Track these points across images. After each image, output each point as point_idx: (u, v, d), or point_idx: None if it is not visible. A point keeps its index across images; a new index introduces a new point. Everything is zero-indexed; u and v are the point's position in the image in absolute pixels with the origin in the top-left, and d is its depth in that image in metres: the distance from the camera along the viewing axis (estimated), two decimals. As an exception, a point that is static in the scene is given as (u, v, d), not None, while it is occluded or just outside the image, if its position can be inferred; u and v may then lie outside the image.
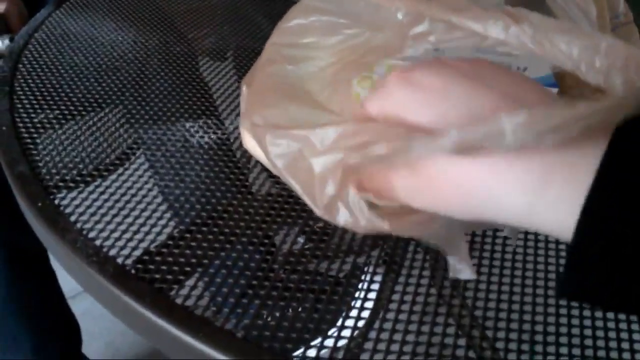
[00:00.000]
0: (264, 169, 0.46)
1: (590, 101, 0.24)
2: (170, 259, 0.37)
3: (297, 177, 0.34)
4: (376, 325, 0.35)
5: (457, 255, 0.34)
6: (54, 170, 0.44)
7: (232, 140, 0.49)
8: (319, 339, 0.34)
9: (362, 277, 0.38)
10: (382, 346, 0.33)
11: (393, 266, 0.38)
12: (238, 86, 0.57)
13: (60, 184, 0.42)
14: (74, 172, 0.44)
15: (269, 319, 0.35)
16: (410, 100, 0.29)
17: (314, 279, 0.37)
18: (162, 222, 0.40)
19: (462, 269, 0.34)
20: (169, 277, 0.36)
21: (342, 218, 0.32)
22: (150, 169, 0.45)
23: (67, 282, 1.01)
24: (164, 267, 0.37)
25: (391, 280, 0.38)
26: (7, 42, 0.72)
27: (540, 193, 0.24)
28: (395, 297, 0.36)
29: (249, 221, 0.40)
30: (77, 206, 0.40)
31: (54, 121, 0.50)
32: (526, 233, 0.41)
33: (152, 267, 0.37)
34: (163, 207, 0.42)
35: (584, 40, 0.28)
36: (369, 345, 0.33)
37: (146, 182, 0.44)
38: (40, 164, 0.44)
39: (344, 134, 0.32)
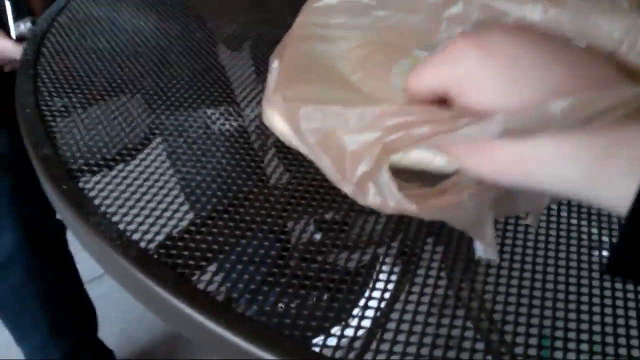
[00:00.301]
0: (281, 159, 0.46)
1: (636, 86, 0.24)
2: (192, 244, 0.37)
3: (329, 153, 0.34)
4: (394, 316, 0.34)
5: (483, 239, 0.34)
6: (77, 154, 0.44)
7: (251, 129, 0.49)
8: (339, 328, 0.34)
9: (381, 268, 0.38)
10: (401, 337, 0.33)
11: (412, 258, 0.38)
12: (256, 75, 0.57)
13: (84, 167, 0.43)
14: (97, 156, 0.44)
15: (289, 307, 0.35)
16: (482, 67, 0.27)
17: (333, 269, 0.37)
18: (184, 207, 0.41)
19: (488, 251, 0.34)
20: (191, 262, 0.36)
21: (372, 197, 0.32)
22: (171, 155, 0.45)
23: (84, 267, 1.02)
24: (186, 253, 0.37)
25: (410, 271, 0.37)
26: (29, 24, 0.72)
27: (604, 165, 0.24)
28: (414, 289, 0.36)
29: (268, 210, 0.40)
30: (100, 190, 0.41)
31: (77, 105, 0.50)
32: (547, 227, 0.41)
33: (174, 252, 0.37)
34: (183, 193, 0.42)
35: (626, 21, 0.28)
36: (387, 335, 0.33)
37: (168, 168, 0.44)
38: (64, 148, 0.44)
39: (384, 114, 0.31)
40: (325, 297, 0.36)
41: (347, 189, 0.33)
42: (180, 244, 0.37)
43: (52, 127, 0.46)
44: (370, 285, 0.37)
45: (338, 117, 0.33)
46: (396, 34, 0.40)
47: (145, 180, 0.42)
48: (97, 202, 0.39)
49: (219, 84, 0.54)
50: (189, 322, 0.34)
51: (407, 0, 0.39)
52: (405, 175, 0.33)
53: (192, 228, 0.39)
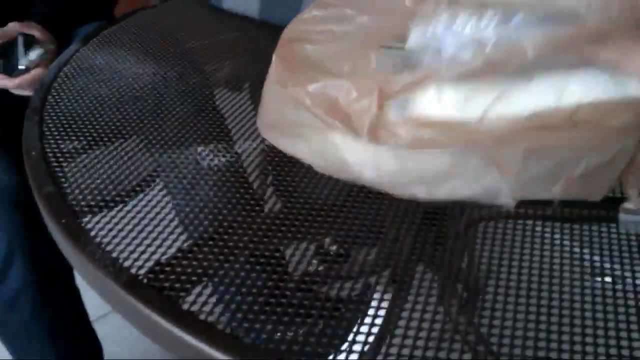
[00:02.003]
0: (276, 190, 0.49)
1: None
2: (179, 269, 0.41)
3: (337, 117, 0.40)
4: (387, 341, 0.36)
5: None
6: (77, 192, 0.48)
7: (240, 163, 0.53)
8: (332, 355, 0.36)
9: (372, 296, 0.41)
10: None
11: (402, 285, 0.40)
12: (252, 112, 0.61)
13: (83, 203, 0.47)
14: (98, 197, 0.48)
15: (280, 331, 0.37)
16: None
17: (326, 298, 0.39)
18: (173, 236, 0.44)
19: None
20: (177, 285, 0.39)
21: (383, 136, 0.38)
22: (164, 189, 0.49)
23: (90, 306, 1.05)
24: (172, 277, 0.40)
25: (401, 298, 0.39)
26: (39, 51, 0.78)
27: None
28: (405, 314, 0.38)
29: (253, 236, 0.44)
30: (97, 222, 0.45)
31: (80, 148, 0.54)
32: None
33: (162, 277, 0.40)
34: (175, 223, 0.46)
35: None
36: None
37: (160, 202, 0.48)
38: (66, 186, 0.49)
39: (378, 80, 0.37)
40: (319, 325, 0.38)
41: (363, 139, 0.38)
42: (167, 269, 0.41)
43: (56, 168, 0.51)
44: (363, 312, 0.39)
45: (337, 88, 0.40)
46: (379, 35, 0.45)
47: (138, 212, 0.46)
48: (93, 233, 0.43)
49: (210, 123, 0.59)
50: (173, 340, 0.37)
51: (384, 5, 0.44)
52: None
53: (179, 254, 0.42)
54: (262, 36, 0.79)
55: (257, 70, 0.69)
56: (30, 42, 0.84)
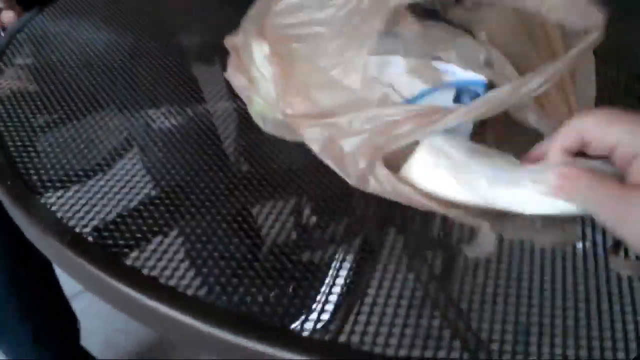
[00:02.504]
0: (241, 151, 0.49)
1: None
2: (123, 228, 0.41)
3: (331, 156, 0.41)
4: (356, 306, 0.37)
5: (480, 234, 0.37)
6: (24, 155, 0.48)
7: (191, 125, 0.53)
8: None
9: (342, 263, 0.41)
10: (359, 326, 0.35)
11: (371, 252, 0.41)
12: (213, 76, 0.60)
13: (29, 166, 0.46)
14: (37, 144, 0.48)
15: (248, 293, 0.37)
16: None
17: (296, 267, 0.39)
18: (118, 197, 0.44)
19: (484, 244, 0.38)
20: (121, 242, 0.40)
21: (372, 186, 0.39)
22: (111, 153, 0.49)
23: (67, 283, 1.05)
24: (117, 235, 0.40)
25: (370, 264, 0.40)
26: None
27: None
28: (375, 282, 0.38)
29: (219, 194, 0.44)
30: (42, 185, 0.44)
31: (29, 112, 0.54)
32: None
33: (106, 234, 0.40)
34: (121, 184, 0.46)
35: None
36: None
37: (106, 165, 0.47)
38: (12, 149, 0.48)
39: (369, 119, 0.39)
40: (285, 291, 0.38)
41: (352, 182, 0.40)
42: (112, 227, 0.41)
43: (4, 136, 0.50)
44: (332, 275, 0.40)
45: (332, 126, 0.41)
46: (359, 17, 0.44)
47: (84, 174, 0.46)
48: (38, 194, 0.43)
49: (163, 87, 0.58)
50: (118, 295, 0.37)
51: None
52: None
53: (124, 214, 0.42)
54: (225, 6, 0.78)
55: (218, 37, 0.69)
56: None
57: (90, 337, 1.11)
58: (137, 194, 0.45)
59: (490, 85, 0.45)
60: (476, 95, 0.46)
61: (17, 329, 0.95)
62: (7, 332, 0.96)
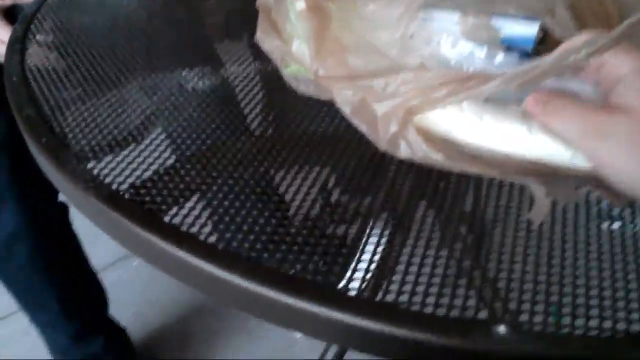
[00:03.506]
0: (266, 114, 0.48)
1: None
2: (161, 186, 0.40)
3: (362, 119, 0.40)
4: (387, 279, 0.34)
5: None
6: (59, 114, 0.47)
7: (225, 86, 0.52)
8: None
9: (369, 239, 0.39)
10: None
11: (402, 224, 0.39)
12: (239, 39, 0.59)
13: (64, 124, 0.46)
14: (77, 113, 0.47)
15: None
16: (631, 155, 0.29)
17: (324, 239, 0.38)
18: (155, 155, 0.43)
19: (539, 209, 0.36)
20: (159, 199, 0.39)
21: (403, 151, 0.38)
22: (145, 112, 0.48)
23: (96, 256, 1.07)
24: (154, 192, 0.39)
25: (400, 236, 0.38)
26: None
27: None
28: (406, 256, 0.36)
29: (241, 157, 0.43)
30: (76, 141, 0.44)
31: (62, 74, 0.53)
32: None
33: (143, 192, 0.39)
34: (157, 143, 0.45)
35: None
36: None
37: (142, 123, 0.47)
38: (46, 108, 0.47)
39: (404, 82, 0.38)
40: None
41: (382, 146, 0.39)
42: (149, 185, 0.40)
43: (35, 91, 0.49)
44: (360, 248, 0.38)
45: (366, 88, 0.40)
46: None
47: (121, 131, 0.45)
48: (75, 151, 0.42)
49: (195, 49, 0.57)
50: (155, 250, 0.36)
51: None
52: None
53: (162, 172, 0.41)
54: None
55: (243, 3, 0.68)
56: None
57: (119, 309, 1.13)
58: (172, 154, 0.44)
59: (543, 38, 0.43)
60: (524, 53, 0.44)
61: (42, 297, 0.97)
62: (33, 299, 0.98)
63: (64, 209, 0.96)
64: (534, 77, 0.33)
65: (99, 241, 1.08)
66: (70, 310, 0.98)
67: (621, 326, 0.31)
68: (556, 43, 0.43)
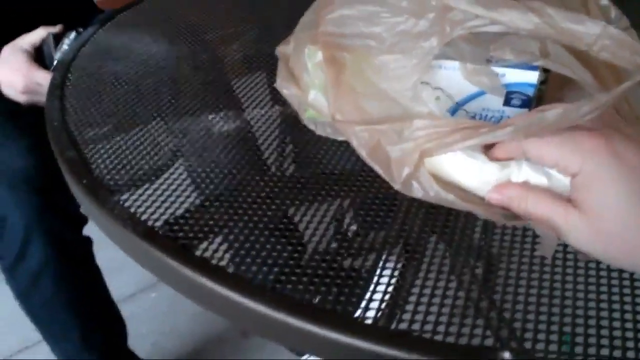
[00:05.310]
0: (286, 153, 0.52)
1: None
2: (192, 222, 0.44)
3: (377, 160, 0.43)
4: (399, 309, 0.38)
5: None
6: (97, 156, 0.51)
7: (248, 129, 0.56)
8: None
9: (385, 268, 0.43)
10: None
11: (414, 257, 0.42)
12: (260, 84, 0.63)
13: (102, 166, 0.50)
14: (119, 165, 0.51)
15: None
16: (609, 170, 0.32)
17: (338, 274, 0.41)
18: (186, 193, 0.47)
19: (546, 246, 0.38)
20: (191, 235, 0.42)
21: (416, 191, 0.41)
22: (176, 153, 0.52)
23: (115, 288, 1.10)
24: (186, 228, 0.43)
25: (413, 267, 0.41)
26: (67, 41, 0.81)
27: None
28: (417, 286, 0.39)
29: (264, 197, 0.46)
30: (114, 182, 0.48)
31: (98, 118, 0.57)
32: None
33: (176, 228, 0.43)
34: (186, 183, 0.49)
35: (596, 28, 0.38)
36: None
37: (173, 163, 0.51)
38: (85, 151, 0.52)
39: (418, 128, 0.41)
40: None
41: (396, 187, 0.42)
42: (181, 221, 0.44)
43: (75, 135, 0.54)
44: (375, 279, 0.41)
45: (381, 132, 0.43)
46: (409, 38, 0.46)
47: (154, 172, 0.49)
48: (112, 190, 0.46)
49: (220, 94, 0.61)
50: (186, 282, 0.40)
51: (413, 6, 0.45)
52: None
53: (192, 209, 0.45)
54: (273, 15, 0.81)
55: (261, 44, 0.72)
56: (56, 38, 0.87)
57: (137, 340, 1.15)
58: (201, 193, 0.48)
59: (544, 80, 0.46)
60: (526, 98, 0.48)
61: (65, 328, 0.99)
62: (56, 330, 1.01)
63: (88, 242, 1.00)
64: (542, 127, 0.36)
65: (118, 274, 1.12)
66: (91, 341, 1.01)
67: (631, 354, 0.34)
68: (560, 76, 0.46)
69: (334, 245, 0.44)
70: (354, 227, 0.46)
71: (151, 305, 1.41)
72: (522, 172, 0.38)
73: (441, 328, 0.35)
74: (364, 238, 0.45)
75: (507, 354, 0.33)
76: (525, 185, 0.37)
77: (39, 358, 1.23)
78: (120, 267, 1.27)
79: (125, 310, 1.13)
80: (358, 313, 0.37)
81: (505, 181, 0.39)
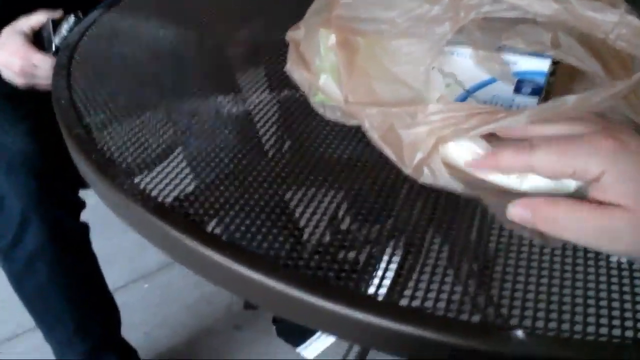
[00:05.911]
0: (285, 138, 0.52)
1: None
2: (202, 199, 0.44)
3: (389, 144, 0.43)
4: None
5: None
6: (105, 134, 0.51)
7: (256, 112, 0.56)
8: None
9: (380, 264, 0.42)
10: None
11: (411, 249, 0.42)
12: (263, 70, 0.63)
13: (111, 143, 0.50)
14: (121, 133, 0.51)
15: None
16: (620, 164, 0.32)
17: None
18: (197, 171, 0.47)
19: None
20: (201, 211, 0.42)
21: (426, 177, 0.41)
22: (184, 133, 0.52)
23: (107, 279, 1.09)
24: (197, 205, 0.43)
25: (410, 259, 0.41)
26: (66, 26, 0.81)
27: None
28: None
29: (274, 177, 0.46)
30: (123, 158, 0.47)
31: (106, 97, 0.57)
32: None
33: (186, 204, 0.43)
34: (195, 163, 0.48)
35: (614, 16, 0.38)
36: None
37: (181, 141, 0.50)
38: (92, 128, 0.51)
39: (431, 112, 0.41)
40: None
41: (407, 171, 0.41)
42: (192, 198, 0.44)
43: (83, 113, 0.53)
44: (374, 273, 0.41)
45: (394, 116, 0.42)
46: (423, 23, 0.46)
47: (163, 150, 0.49)
48: (121, 167, 0.46)
49: (228, 76, 0.61)
50: (196, 257, 0.39)
51: None
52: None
53: (202, 187, 0.45)
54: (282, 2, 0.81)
55: (268, 32, 0.72)
56: (55, 23, 0.86)
57: (129, 330, 1.15)
58: (210, 171, 0.48)
59: (553, 71, 0.47)
60: (537, 86, 0.48)
61: (59, 315, 0.99)
62: (50, 317, 1.00)
63: (85, 228, 1.00)
64: (556, 114, 0.36)
65: (110, 264, 1.11)
66: (85, 328, 1.00)
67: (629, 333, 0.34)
68: (569, 68, 0.47)
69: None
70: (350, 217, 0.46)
71: (143, 296, 1.41)
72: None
73: (454, 306, 0.35)
74: (361, 228, 0.44)
75: (520, 332, 0.33)
76: (552, 202, 0.35)
77: (33, 344, 1.22)
78: (112, 257, 1.26)
79: (118, 301, 1.12)
80: (370, 291, 0.37)
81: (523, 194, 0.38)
